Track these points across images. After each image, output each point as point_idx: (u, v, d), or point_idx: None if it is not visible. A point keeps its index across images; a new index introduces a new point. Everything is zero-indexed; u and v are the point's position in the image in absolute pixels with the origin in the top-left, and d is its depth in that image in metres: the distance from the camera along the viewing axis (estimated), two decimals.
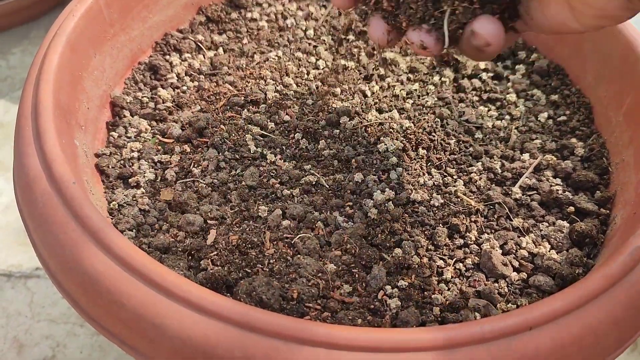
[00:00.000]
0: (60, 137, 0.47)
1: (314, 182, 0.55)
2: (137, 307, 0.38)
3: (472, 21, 0.40)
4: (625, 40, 0.60)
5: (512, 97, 0.66)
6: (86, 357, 0.76)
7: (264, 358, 0.36)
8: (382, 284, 0.48)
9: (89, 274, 0.40)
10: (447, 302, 0.47)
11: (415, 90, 0.66)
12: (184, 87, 0.65)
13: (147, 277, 0.39)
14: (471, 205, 0.54)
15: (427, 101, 0.65)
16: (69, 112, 0.52)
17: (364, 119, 0.61)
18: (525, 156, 0.59)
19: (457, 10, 0.40)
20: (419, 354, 0.37)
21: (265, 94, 0.64)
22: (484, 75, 0.69)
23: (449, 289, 0.48)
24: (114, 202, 0.53)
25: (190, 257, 0.49)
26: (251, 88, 0.65)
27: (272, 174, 0.56)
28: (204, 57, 0.69)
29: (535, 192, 0.56)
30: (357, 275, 0.48)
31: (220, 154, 0.58)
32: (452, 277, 0.49)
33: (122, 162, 0.57)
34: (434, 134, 0.60)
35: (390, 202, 0.54)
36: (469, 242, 0.52)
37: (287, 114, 0.62)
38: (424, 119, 0.62)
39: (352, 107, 0.62)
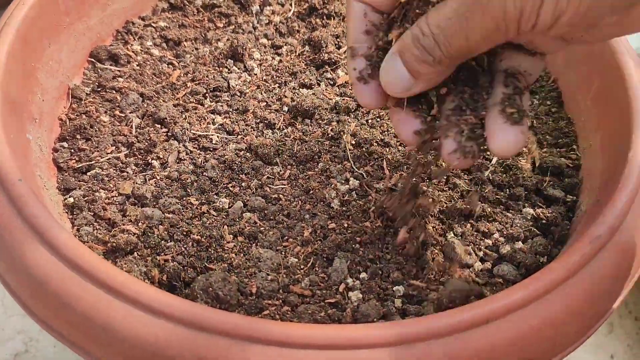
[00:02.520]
0: (7, 131, 0.46)
1: (278, 174, 0.54)
2: (86, 309, 0.37)
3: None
4: None
5: None
6: (59, 351, 0.75)
7: (215, 358, 0.36)
8: (343, 276, 0.47)
9: (36, 275, 0.39)
10: (409, 293, 0.47)
11: None
12: (145, 76, 0.63)
13: (96, 277, 0.38)
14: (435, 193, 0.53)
15: None
16: (20, 105, 0.51)
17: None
18: None
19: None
20: (374, 350, 0.36)
21: (228, 82, 0.62)
22: None
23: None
24: (70, 197, 0.52)
25: (148, 253, 0.48)
26: (214, 76, 0.63)
27: (235, 165, 0.55)
28: (167, 45, 0.67)
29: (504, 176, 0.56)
30: (318, 269, 0.48)
31: (181, 144, 0.56)
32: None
33: (79, 155, 0.55)
34: None
35: (354, 192, 0.53)
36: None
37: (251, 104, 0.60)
38: None
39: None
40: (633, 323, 0.78)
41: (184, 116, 0.59)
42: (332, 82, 0.64)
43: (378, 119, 0.60)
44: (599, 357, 0.81)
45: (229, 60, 0.65)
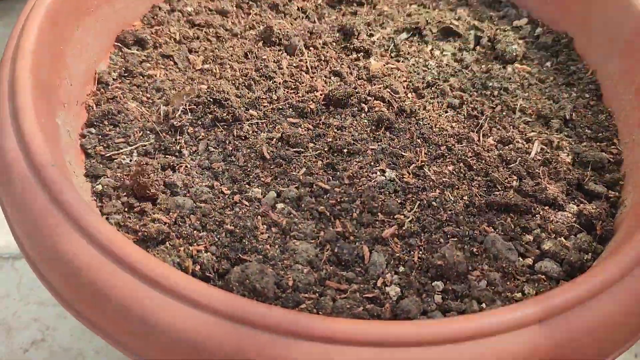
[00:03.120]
0: (39, 116, 0.44)
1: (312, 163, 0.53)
2: (122, 299, 0.36)
3: None
4: (637, 14, 0.57)
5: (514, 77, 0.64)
6: (76, 340, 0.74)
7: (258, 353, 0.34)
8: (381, 270, 0.46)
9: (70, 263, 0.37)
10: (449, 289, 0.45)
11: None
12: (172, 61, 0.62)
13: (133, 267, 0.36)
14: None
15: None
16: (50, 90, 0.49)
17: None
18: (533, 135, 0.57)
19: None
20: (423, 348, 0.35)
21: (258, 69, 0.61)
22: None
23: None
24: (98, 185, 0.50)
25: (180, 243, 0.46)
26: (243, 62, 0.61)
27: (267, 154, 0.53)
28: (194, 30, 0.66)
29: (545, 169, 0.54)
30: (355, 261, 0.46)
31: (211, 132, 0.55)
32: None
33: (107, 142, 0.54)
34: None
35: (391, 183, 0.51)
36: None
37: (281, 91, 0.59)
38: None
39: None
40: None
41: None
42: (365, 71, 0.62)
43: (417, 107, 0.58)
44: (623, 356, 0.79)
45: (259, 46, 0.63)
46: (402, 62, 0.64)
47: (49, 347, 0.75)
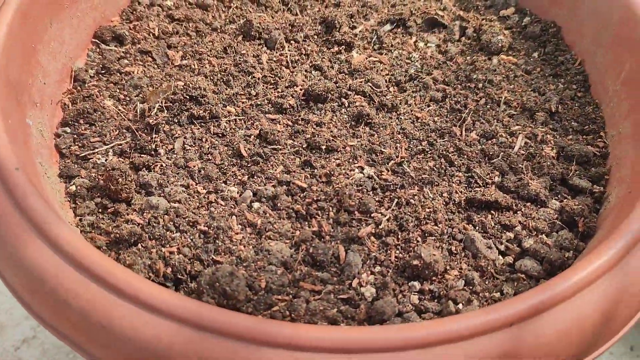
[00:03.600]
0: (6, 117, 0.43)
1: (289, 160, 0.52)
2: (84, 306, 0.35)
3: None
4: (625, 3, 0.55)
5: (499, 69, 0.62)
6: None
7: None
8: (357, 270, 0.45)
9: (33, 271, 0.37)
10: (426, 289, 0.44)
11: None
12: (151, 58, 0.61)
13: (95, 273, 0.36)
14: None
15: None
16: (20, 89, 0.48)
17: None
18: (517, 128, 0.56)
19: None
20: (388, 354, 0.34)
21: (237, 64, 0.59)
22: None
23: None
24: (72, 185, 0.49)
25: (153, 245, 0.46)
26: (222, 57, 0.60)
27: (244, 152, 0.52)
28: (173, 25, 0.64)
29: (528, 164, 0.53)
30: (330, 261, 0.45)
31: (187, 130, 0.54)
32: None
33: (82, 142, 0.53)
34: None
35: (369, 180, 0.50)
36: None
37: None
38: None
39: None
40: None
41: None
42: (346, 64, 0.61)
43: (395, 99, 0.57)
44: (619, 349, 0.78)
45: (239, 40, 0.62)
46: (385, 54, 0.63)
47: (41, 345, 0.75)
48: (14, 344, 0.76)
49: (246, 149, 0.52)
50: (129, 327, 0.34)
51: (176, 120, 0.55)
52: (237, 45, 0.62)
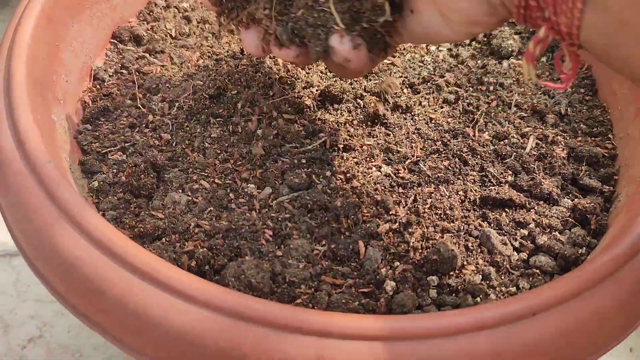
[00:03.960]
0: (35, 112, 0.44)
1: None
2: (118, 295, 0.36)
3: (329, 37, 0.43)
4: None
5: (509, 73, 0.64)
6: (74, 337, 0.74)
7: (253, 347, 0.34)
8: (377, 265, 0.46)
9: (66, 259, 0.38)
10: (445, 283, 0.45)
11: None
12: (168, 58, 0.62)
13: (129, 262, 0.37)
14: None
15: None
16: (46, 86, 0.49)
17: None
18: (528, 130, 0.57)
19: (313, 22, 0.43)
20: (418, 342, 0.35)
21: (274, 62, 0.61)
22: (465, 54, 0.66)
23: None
24: (95, 181, 0.50)
25: (177, 239, 0.47)
26: (245, 61, 0.61)
27: (264, 148, 0.53)
28: (189, 27, 0.66)
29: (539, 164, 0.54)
30: (351, 256, 0.46)
31: (207, 128, 0.55)
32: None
33: (103, 139, 0.54)
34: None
35: (388, 178, 0.52)
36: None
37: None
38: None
39: None
40: None
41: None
42: None
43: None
44: (618, 350, 0.79)
45: None
46: (398, 57, 0.64)
47: (47, 344, 0.75)
48: (20, 343, 0.76)
49: (264, 147, 0.53)
50: (162, 315, 0.35)
51: (195, 119, 0.56)
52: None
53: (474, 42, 0.68)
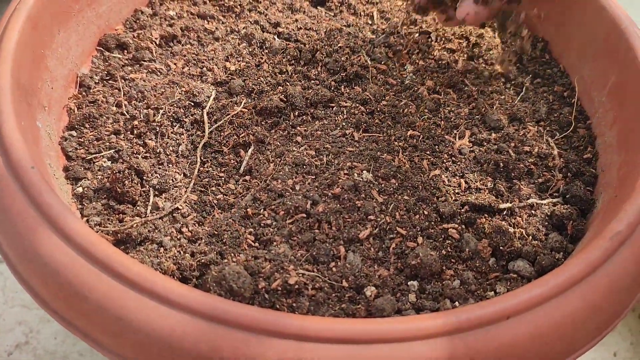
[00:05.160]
0: (19, 119, 0.45)
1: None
2: (99, 299, 0.37)
3: None
4: (609, 18, 0.58)
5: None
6: (60, 343, 0.74)
7: (232, 351, 0.35)
8: (357, 270, 0.46)
9: (48, 264, 0.38)
10: (424, 288, 0.46)
11: None
12: (154, 65, 0.62)
13: (110, 267, 0.37)
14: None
15: None
16: (31, 93, 0.50)
17: None
18: (507, 137, 0.58)
19: None
20: (395, 345, 0.35)
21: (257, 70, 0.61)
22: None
23: None
24: (79, 187, 0.51)
25: (159, 245, 0.47)
26: (232, 68, 0.62)
27: (249, 155, 0.54)
28: (174, 35, 0.66)
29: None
30: (331, 261, 0.47)
31: (192, 135, 0.56)
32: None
33: (88, 145, 0.54)
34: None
35: (369, 184, 0.52)
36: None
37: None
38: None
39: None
40: (636, 321, 0.78)
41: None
42: None
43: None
44: (602, 355, 0.80)
45: (240, 48, 0.64)
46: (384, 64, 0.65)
47: (33, 350, 0.75)
48: (7, 350, 0.76)
49: (249, 154, 0.54)
50: (144, 319, 0.36)
51: (180, 125, 0.56)
52: (239, 54, 0.64)
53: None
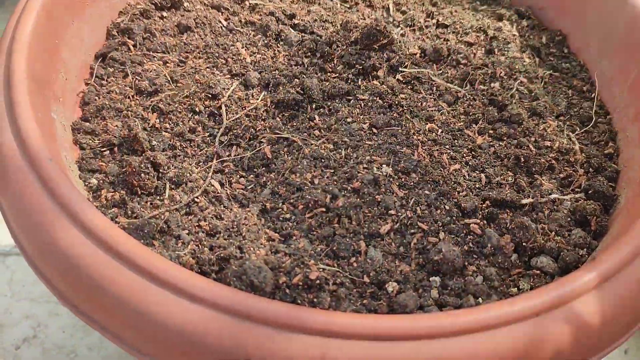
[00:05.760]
0: (35, 110, 0.44)
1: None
2: (120, 293, 0.36)
3: None
4: (632, 11, 0.58)
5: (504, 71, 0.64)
6: (68, 337, 0.74)
7: (257, 347, 0.34)
8: (378, 265, 0.46)
9: (67, 257, 0.37)
10: (447, 284, 0.45)
11: None
12: (167, 55, 0.62)
13: (131, 260, 0.36)
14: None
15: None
16: (45, 84, 0.49)
17: None
18: (528, 131, 0.57)
19: None
20: (423, 342, 0.35)
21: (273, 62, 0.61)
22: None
23: None
24: (93, 179, 0.50)
25: (177, 237, 0.46)
26: (233, 52, 0.61)
27: (269, 150, 0.53)
28: (183, 26, 0.65)
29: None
30: (352, 257, 0.46)
31: (206, 127, 0.55)
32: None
33: (101, 137, 0.54)
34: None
35: (389, 178, 0.52)
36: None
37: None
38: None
39: None
40: None
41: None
42: None
43: None
44: (614, 352, 0.80)
45: (255, 40, 0.63)
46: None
47: (41, 344, 0.75)
48: (14, 344, 0.75)
49: (269, 149, 0.53)
50: (166, 314, 0.35)
51: (194, 117, 0.55)
52: (252, 46, 0.63)
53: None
